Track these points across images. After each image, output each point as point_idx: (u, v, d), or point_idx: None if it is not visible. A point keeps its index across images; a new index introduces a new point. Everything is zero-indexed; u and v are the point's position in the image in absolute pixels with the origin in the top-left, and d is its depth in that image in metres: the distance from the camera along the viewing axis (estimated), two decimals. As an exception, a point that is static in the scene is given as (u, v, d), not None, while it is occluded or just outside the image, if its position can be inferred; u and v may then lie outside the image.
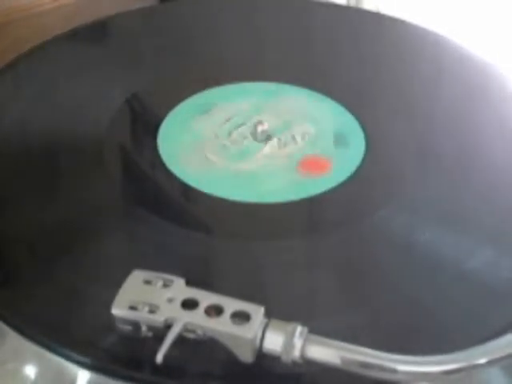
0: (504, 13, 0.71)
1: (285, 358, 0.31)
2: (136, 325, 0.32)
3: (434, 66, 0.55)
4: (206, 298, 0.33)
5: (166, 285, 0.34)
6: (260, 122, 0.47)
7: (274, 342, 0.31)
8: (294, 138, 0.47)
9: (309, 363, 0.31)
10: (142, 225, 0.41)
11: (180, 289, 0.33)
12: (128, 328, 0.33)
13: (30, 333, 0.35)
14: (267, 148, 0.46)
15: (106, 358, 0.34)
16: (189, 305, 0.32)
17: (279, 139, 0.47)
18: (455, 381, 0.33)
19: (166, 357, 0.31)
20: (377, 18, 0.61)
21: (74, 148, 0.46)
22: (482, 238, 0.41)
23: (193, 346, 0.33)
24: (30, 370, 0.35)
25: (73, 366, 0.34)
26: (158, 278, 0.34)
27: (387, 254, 0.40)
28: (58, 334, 0.35)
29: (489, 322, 0.36)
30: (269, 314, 0.32)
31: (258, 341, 0.32)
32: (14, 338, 0.35)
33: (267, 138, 0.47)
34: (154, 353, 0.31)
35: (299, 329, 0.32)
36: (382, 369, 0.31)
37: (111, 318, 0.33)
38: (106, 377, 0.33)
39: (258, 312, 0.32)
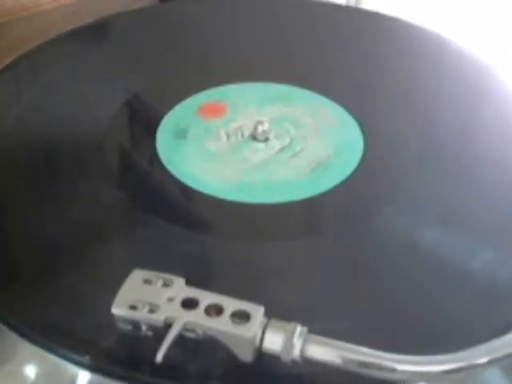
0: (504, 13, 0.71)
1: (284, 358, 0.31)
2: (136, 324, 0.33)
3: (434, 66, 0.55)
4: (206, 298, 0.33)
5: (165, 284, 0.34)
6: (260, 122, 0.47)
7: (273, 341, 0.31)
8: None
9: (308, 363, 0.31)
10: (142, 225, 0.41)
11: (180, 288, 0.33)
12: (128, 327, 0.33)
13: (30, 333, 0.35)
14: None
15: (105, 359, 0.34)
16: (189, 304, 0.32)
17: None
18: (455, 380, 0.33)
19: (165, 357, 0.31)
20: (376, 18, 0.61)
21: (73, 148, 0.46)
22: (483, 238, 0.41)
23: (193, 346, 0.33)
24: (30, 370, 0.35)
25: (72, 367, 0.34)
26: (158, 277, 0.34)
27: (387, 254, 0.40)
28: (58, 334, 0.35)
29: (489, 322, 0.36)
30: (269, 314, 0.32)
31: (257, 340, 0.32)
32: (13, 339, 0.35)
33: (266, 137, 0.47)
34: (154, 353, 0.31)
35: (299, 328, 0.32)
36: (381, 368, 0.31)
37: (111, 317, 0.33)
38: (105, 377, 0.33)
39: (257, 312, 0.32)
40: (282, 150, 0.46)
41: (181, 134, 0.47)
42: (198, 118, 0.49)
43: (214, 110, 0.49)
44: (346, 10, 0.66)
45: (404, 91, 0.52)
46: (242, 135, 0.47)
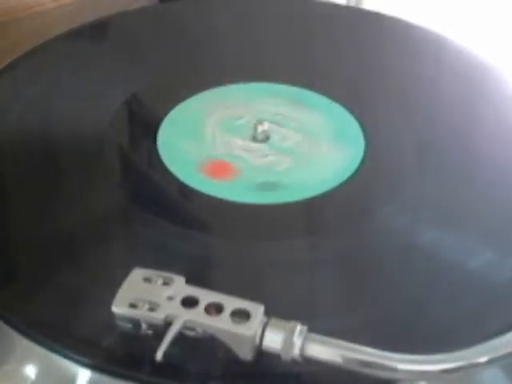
0: (504, 13, 0.71)
1: (284, 357, 0.31)
2: (136, 322, 0.33)
3: (434, 66, 0.55)
4: (206, 296, 0.33)
5: (166, 283, 0.34)
6: (260, 122, 0.47)
7: (273, 340, 0.31)
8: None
9: (308, 362, 0.31)
10: (142, 224, 0.41)
11: (180, 287, 0.33)
12: (128, 326, 0.33)
13: (30, 333, 0.35)
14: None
15: (105, 357, 0.34)
16: (189, 303, 0.32)
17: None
18: (455, 380, 0.33)
19: (165, 355, 0.31)
20: (377, 18, 0.61)
21: (73, 148, 0.46)
22: (483, 237, 0.41)
23: (193, 345, 0.33)
24: (30, 370, 0.35)
25: (73, 366, 0.34)
26: (158, 276, 0.34)
27: (387, 254, 0.40)
28: (58, 333, 0.35)
29: (489, 321, 0.36)
30: (268, 313, 0.32)
31: (257, 339, 0.32)
32: (13, 338, 0.35)
33: (266, 137, 0.47)
34: (154, 351, 0.31)
35: (299, 327, 0.32)
36: (381, 367, 0.31)
37: (111, 316, 0.33)
38: (105, 376, 0.33)
39: (257, 310, 0.32)
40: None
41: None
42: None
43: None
44: (347, 9, 0.66)
45: (405, 91, 0.52)
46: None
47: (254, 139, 0.47)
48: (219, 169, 0.45)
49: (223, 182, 0.44)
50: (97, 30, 0.58)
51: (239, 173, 0.45)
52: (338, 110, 0.50)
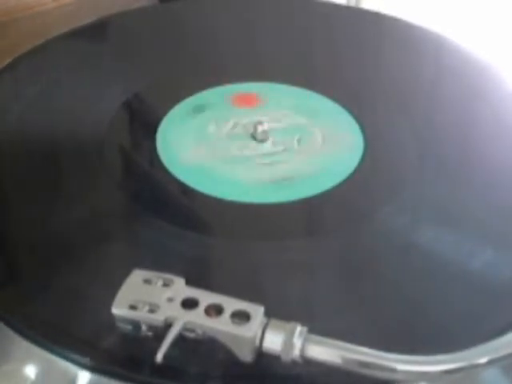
0: (504, 13, 0.71)
1: (284, 358, 0.31)
2: (136, 324, 0.33)
3: (434, 66, 0.55)
4: (206, 298, 0.33)
5: (166, 284, 0.34)
6: (260, 122, 0.47)
7: (273, 341, 0.31)
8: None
9: (308, 363, 0.31)
10: (142, 225, 0.41)
11: (180, 288, 0.33)
12: (128, 327, 0.33)
13: (30, 333, 0.35)
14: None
15: (105, 359, 0.34)
16: (189, 304, 0.32)
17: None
18: (455, 380, 0.33)
19: (166, 357, 0.31)
20: (377, 18, 0.61)
21: (73, 148, 0.46)
22: (482, 237, 0.41)
23: (193, 346, 0.33)
24: (30, 371, 0.35)
25: (72, 367, 0.34)
26: (158, 277, 0.34)
27: (387, 254, 0.40)
28: (58, 334, 0.34)
29: (489, 321, 0.36)
30: (268, 314, 0.32)
31: (257, 340, 0.32)
32: (13, 339, 0.35)
33: (266, 138, 0.47)
34: (154, 353, 0.31)
35: (299, 328, 0.32)
36: (381, 368, 0.31)
37: (111, 317, 0.33)
38: (105, 377, 0.33)
39: (257, 312, 0.32)
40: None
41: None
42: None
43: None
44: (347, 9, 0.66)
45: (404, 91, 0.52)
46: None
47: (254, 139, 0.47)
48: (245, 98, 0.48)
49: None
50: (97, 30, 0.58)
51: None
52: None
